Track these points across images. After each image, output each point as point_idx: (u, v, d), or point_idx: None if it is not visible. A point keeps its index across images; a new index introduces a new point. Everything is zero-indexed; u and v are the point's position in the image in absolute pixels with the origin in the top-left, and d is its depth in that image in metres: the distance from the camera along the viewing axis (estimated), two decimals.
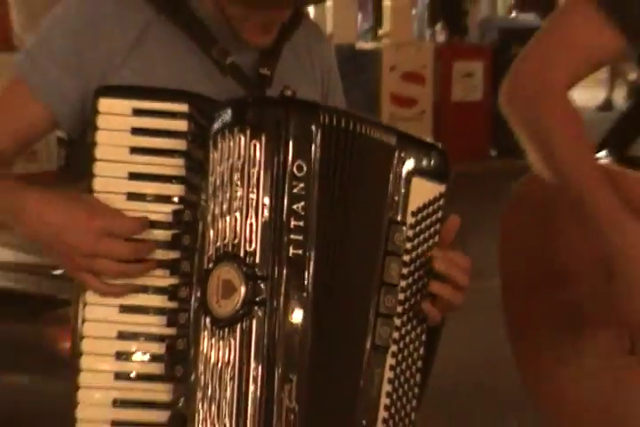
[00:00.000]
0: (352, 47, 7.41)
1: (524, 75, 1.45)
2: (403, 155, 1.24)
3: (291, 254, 1.12)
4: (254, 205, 1.12)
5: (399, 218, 1.23)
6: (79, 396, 1.17)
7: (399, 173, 1.24)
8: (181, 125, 1.19)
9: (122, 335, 1.18)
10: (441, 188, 1.27)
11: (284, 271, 1.12)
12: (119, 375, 1.18)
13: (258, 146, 1.13)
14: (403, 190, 1.24)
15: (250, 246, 1.12)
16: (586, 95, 9.25)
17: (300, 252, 1.13)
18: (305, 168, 1.13)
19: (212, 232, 1.16)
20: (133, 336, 1.18)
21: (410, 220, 1.24)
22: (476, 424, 3.22)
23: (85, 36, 1.25)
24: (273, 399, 1.10)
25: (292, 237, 1.12)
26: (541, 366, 1.55)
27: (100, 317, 1.18)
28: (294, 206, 1.13)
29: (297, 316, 1.12)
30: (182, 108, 1.19)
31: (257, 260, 1.12)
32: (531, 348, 1.56)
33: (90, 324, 1.18)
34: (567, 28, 1.43)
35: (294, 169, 1.13)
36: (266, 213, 1.12)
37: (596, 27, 1.39)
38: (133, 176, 1.19)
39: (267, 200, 1.12)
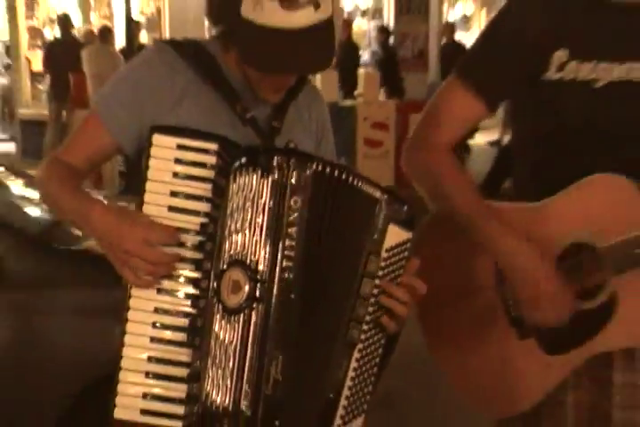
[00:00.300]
0: (335, 104, 7.42)
1: (418, 138, 1.45)
2: (384, 206, 1.22)
3: (284, 265, 1.12)
4: (260, 226, 1.13)
5: (376, 251, 1.22)
6: (123, 351, 1.17)
7: (379, 219, 1.22)
8: (211, 160, 1.18)
9: (157, 310, 1.17)
10: (409, 234, 1.25)
11: (278, 277, 1.12)
12: (153, 339, 1.16)
13: (265, 183, 1.13)
14: (381, 232, 1.22)
15: (254, 257, 1.13)
16: (486, 136, 9.26)
17: (291, 264, 1.13)
18: (299, 202, 1.13)
19: (227, 243, 1.15)
20: (165, 311, 1.17)
21: (384, 254, 1.22)
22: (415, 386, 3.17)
23: (144, 90, 1.25)
24: (263, 371, 1.11)
25: (285, 252, 1.13)
26: (452, 356, 1.50)
27: (142, 295, 1.17)
28: (289, 230, 1.13)
29: (286, 311, 1.12)
30: (213, 146, 1.18)
31: (259, 267, 1.12)
32: (443, 344, 1.50)
33: (134, 299, 1.17)
34: (444, 99, 1.44)
35: (291, 202, 1.13)
36: (267, 233, 1.13)
37: (464, 97, 1.40)
38: (173, 194, 1.18)
39: (268, 224, 1.13)
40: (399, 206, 1.24)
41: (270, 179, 1.13)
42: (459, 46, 9.86)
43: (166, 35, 12.86)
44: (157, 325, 1.17)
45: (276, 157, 1.14)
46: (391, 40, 10.94)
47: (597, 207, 1.33)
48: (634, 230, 1.31)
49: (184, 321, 1.17)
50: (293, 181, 1.13)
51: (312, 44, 1.15)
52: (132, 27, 9.14)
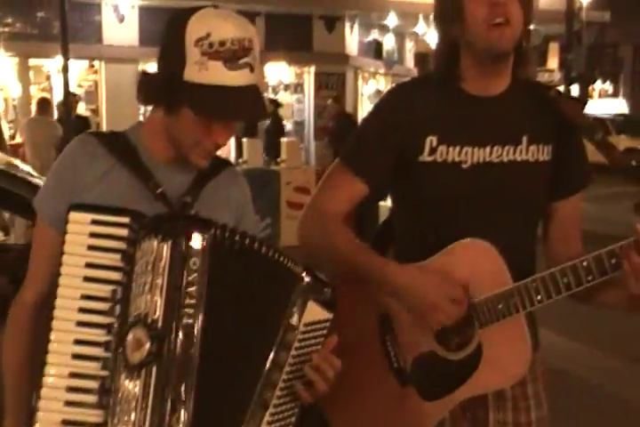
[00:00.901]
0: (260, 169, 7.53)
1: (309, 214, 1.50)
2: (304, 282, 1.23)
3: (184, 322, 1.12)
4: (159, 287, 1.13)
5: (294, 324, 1.21)
6: (38, 416, 1.14)
7: (298, 294, 1.22)
8: (123, 232, 1.19)
9: (71, 374, 1.15)
10: (329, 315, 1.25)
11: (179, 334, 1.12)
12: (68, 402, 1.14)
13: (165, 247, 1.14)
14: (300, 307, 1.22)
15: (154, 316, 1.12)
16: None
17: (191, 321, 1.12)
18: (198, 263, 1.14)
19: (133, 305, 1.16)
20: (78, 375, 1.15)
21: (302, 328, 1.22)
22: None
23: (67, 178, 1.27)
24: (163, 423, 1.09)
25: (185, 310, 1.12)
26: (342, 408, 1.49)
27: (57, 361, 1.15)
28: (189, 289, 1.13)
29: (185, 366, 1.11)
30: (125, 220, 1.20)
31: (159, 325, 1.12)
32: (334, 398, 1.44)
33: (49, 366, 1.15)
34: (333, 179, 1.49)
35: (190, 263, 1.13)
36: (166, 293, 1.13)
37: (346, 177, 1.46)
38: (88, 265, 1.18)
39: (168, 284, 1.13)
40: (321, 286, 1.24)
41: (170, 242, 1.14)
42: (349, 117, 10.28)
43: (103, 106, 12.83)
44: (71, 389, 1.15)
45: (176, 223, 1.16)
46: (311, 111, 11.25)
47: (466, 268, 1.41)
48: (496, 288, 1.39)
49: (95, 383, 1.15)
50: (192, 243, 1.14)
51: (253, 99, 1.22)
52: (69, 99, 9.07)
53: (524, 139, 1.44)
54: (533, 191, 1.46)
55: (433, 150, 1.43)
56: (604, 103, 21.24)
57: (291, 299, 1.21)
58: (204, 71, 1.17)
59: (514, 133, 1.44)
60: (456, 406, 1.45)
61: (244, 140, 7.74)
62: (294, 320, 1.21)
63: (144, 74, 1.26)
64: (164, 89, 1.22)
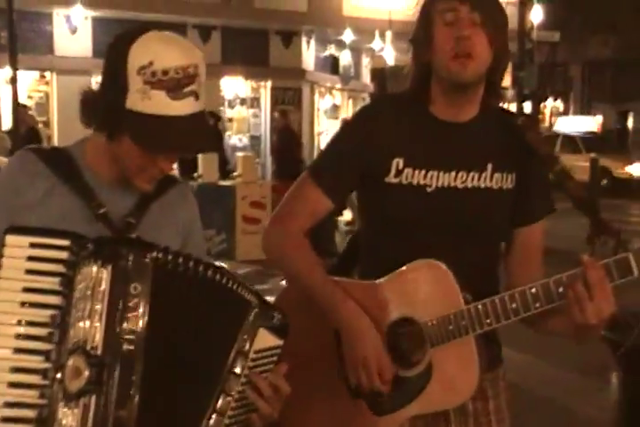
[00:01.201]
0: (216, 184, 7.49)
1: (274, 224, 1.52)
2: (256, 309, 1.21)
3: (124, 349, 1.09)
4: (99, 313, 1.10)
5: (244, 350, 1.20)
6: None
7: (249, 321, 1.20)
8: (63, 255, 1.16)
9: (7, 404, 1.11)
10: (279, 341, 1.23)
11: (119, 361, 1.09)
12: None
13: (105, 272, 1.11)
14: (250, 333, 1.20)
15: (93, 342, 1.09)
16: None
17: (132, 347, 1.09)
18: (139, 288, 1.11)
19: (72, 331, 1.12)
20: (14, 405, 1.11)
21: (252, 355, 1.20)
22: None
23: (9, 199, 1.24)
24: None
25: (126, 336, 1.10)
26: (296, 418, 1.47)
27: None
28: (129, 314, 1.10)
29: (126, 395, 1.08)
30: (65, 243, 1.16)
31: (98, 352, 1.09)
32: (289, 407, 1.41)
33: None
34: (299, 192, 1.51)
35: (131, 289, 1.11)
36: (106, 319, 1.10)
37: (313, 192, 1.48)
38: (26, 289, 1.14)
39: (108, 310, 1.10)
40: (272, 313, 1.23)
41: (110, 267, 1.11)
42: (292, 133, 10.32)
43: (54, 118, 12.59)
44: (5, 420, 1.11)
45: (117, 247, 1.13)
46: (267, 125, 11.22)
47: (418, 288, 1.43)
48: (448, 308, 1.41)
49: (31, 413, 1.11)
50: (132, 268, 1.11)
51: (196, 129, 1.19)
52: (18, 110, 8.88)
53: (490, 166, 1.47)
54: (495, 218, 1.49)
55: (399, 172, 1.45)
56: (575, 121, 21.13)
57: (240, 325, 1.19)
58: (146, 100, 1.16)
59: (479, 160, 1.47)
60: (418, 421, 1.46)
61: (199, 154, 7.65)
62: (245, 347, 1.19)
63: (86, 93, 1.23)
64: (105, 115, 1.20)
